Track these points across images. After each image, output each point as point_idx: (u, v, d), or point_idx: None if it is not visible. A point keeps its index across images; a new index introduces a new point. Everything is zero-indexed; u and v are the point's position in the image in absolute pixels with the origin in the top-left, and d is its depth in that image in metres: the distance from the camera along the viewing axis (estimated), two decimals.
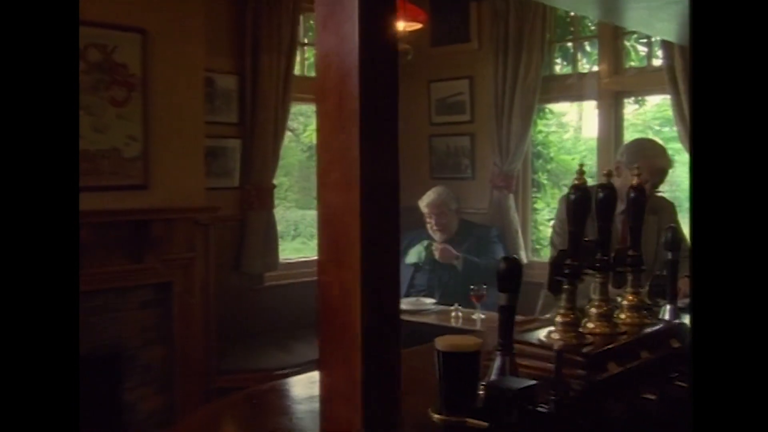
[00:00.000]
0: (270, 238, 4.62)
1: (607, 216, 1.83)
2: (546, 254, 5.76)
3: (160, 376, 3.91)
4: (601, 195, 1.84)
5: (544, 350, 1.69)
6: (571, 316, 1.70)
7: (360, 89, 1.45)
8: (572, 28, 5.03)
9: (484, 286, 4.14)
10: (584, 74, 4.89)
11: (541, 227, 5.47)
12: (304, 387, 1.97)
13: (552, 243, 3.55)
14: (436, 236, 4.87)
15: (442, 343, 1.61)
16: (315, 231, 7.00)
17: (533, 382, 1.47)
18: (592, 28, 4.87)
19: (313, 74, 5.22)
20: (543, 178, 5.48)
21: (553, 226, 3.56)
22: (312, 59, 5.21)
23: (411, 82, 5.50)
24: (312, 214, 6.03)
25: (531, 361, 1.69)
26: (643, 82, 4.62)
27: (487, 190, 5.11)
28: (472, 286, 4.17)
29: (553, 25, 4.92)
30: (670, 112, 4.46)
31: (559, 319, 1.68)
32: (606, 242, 1.83)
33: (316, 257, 1.54)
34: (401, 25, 4.28)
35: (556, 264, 1.75)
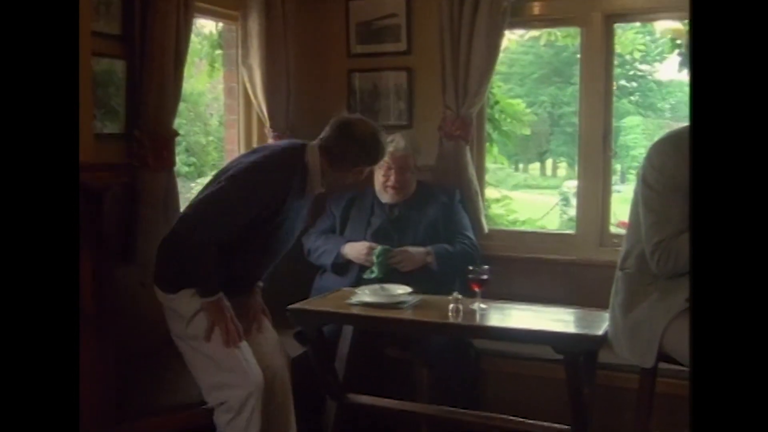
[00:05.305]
0: (170, 211, 3.15)
1: None
2: (506, 223, 4.76)
3: None
4: None
5: None
6: None
7: None
8: None
9: (486, 267, 3.04)
10: None
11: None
12: None
13: (644, 200, 2.55)
14: (387, 196, 3.69)
15: None
16: None
17: None
18: None
19: None
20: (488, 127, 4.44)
21: (644, 178, 2.56)
22: None
23: (322, 1, 4.20)
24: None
25: None
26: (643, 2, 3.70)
27: (434, 141, 3.97)
28: (471, 268, 3.04)
29: None
30: None
31: None
32: None
33: None
34: None
35: None
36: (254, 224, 2.74)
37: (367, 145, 2.91)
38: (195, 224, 2.65)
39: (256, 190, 2.70)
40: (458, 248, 3.61)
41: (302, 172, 2.83)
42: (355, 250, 3.57)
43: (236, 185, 2.68)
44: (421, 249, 3.56)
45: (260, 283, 3.05)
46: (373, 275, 3.47)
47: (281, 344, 3.04)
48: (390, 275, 3.44)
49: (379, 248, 3.51)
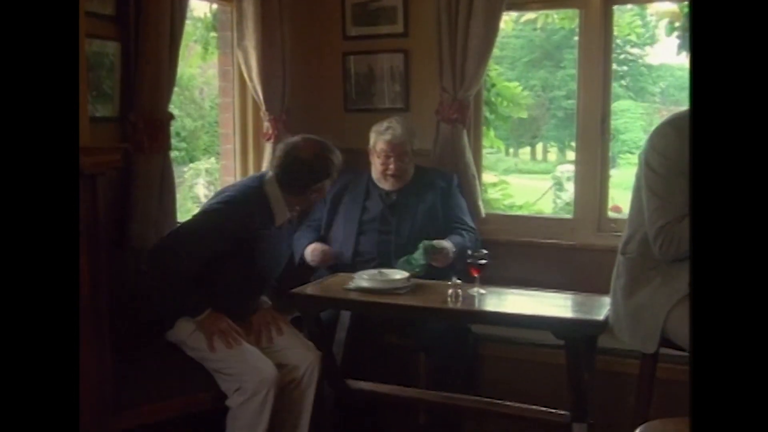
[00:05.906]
0: (165, 195, 3.10)
1: None
2: (503, 207, 4.74)
3: None
4: None
5: None
6: None
7: None
8: None
9: (485, 251, 3.01)
10: None
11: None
12: None
13: (647, 184, 2.52)
14: (387, 184, 3.64)
15: None
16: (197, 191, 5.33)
17: None
18: None
19: None
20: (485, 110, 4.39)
21: (647, 162, 2.54)
22: None
23: None
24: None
25: None
26: None
27: (430, 125, 3.92)
28: (469, 252, 3.02)
29: None
30: None
31: None
32: None
33: None
34: None
35: None
36: (227, 255, 2.88)
37: (315, 164, 3.00)
38: (165, 253, 2.80)
39: (219, 231, 2.84)
40: (468, 238, 3.56)
41: (265, 205, 2.98)
42: (311, 254, 3.52)
43: (200, 226, 2.87)
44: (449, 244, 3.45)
45: (267, 300, 3.19)
46: (415, 269, 3.27)
47: (310, 343, 3.09)
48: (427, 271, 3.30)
49: (424, 243, 3.32)
